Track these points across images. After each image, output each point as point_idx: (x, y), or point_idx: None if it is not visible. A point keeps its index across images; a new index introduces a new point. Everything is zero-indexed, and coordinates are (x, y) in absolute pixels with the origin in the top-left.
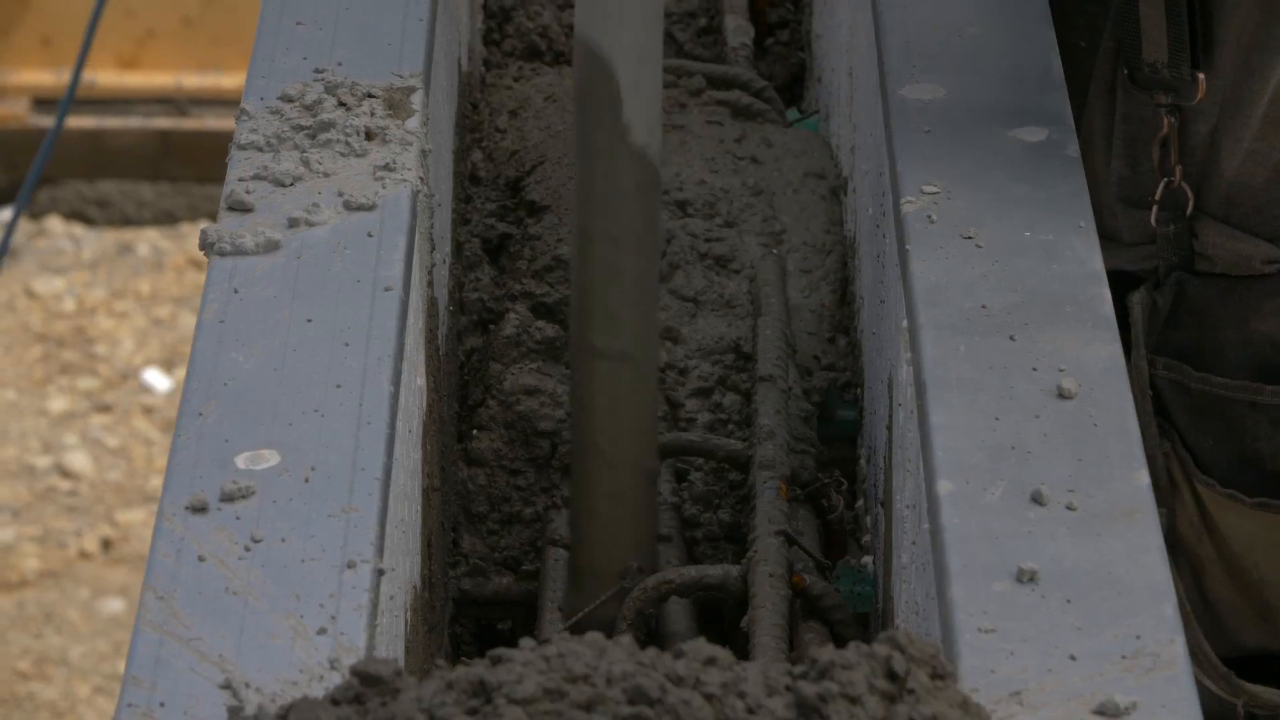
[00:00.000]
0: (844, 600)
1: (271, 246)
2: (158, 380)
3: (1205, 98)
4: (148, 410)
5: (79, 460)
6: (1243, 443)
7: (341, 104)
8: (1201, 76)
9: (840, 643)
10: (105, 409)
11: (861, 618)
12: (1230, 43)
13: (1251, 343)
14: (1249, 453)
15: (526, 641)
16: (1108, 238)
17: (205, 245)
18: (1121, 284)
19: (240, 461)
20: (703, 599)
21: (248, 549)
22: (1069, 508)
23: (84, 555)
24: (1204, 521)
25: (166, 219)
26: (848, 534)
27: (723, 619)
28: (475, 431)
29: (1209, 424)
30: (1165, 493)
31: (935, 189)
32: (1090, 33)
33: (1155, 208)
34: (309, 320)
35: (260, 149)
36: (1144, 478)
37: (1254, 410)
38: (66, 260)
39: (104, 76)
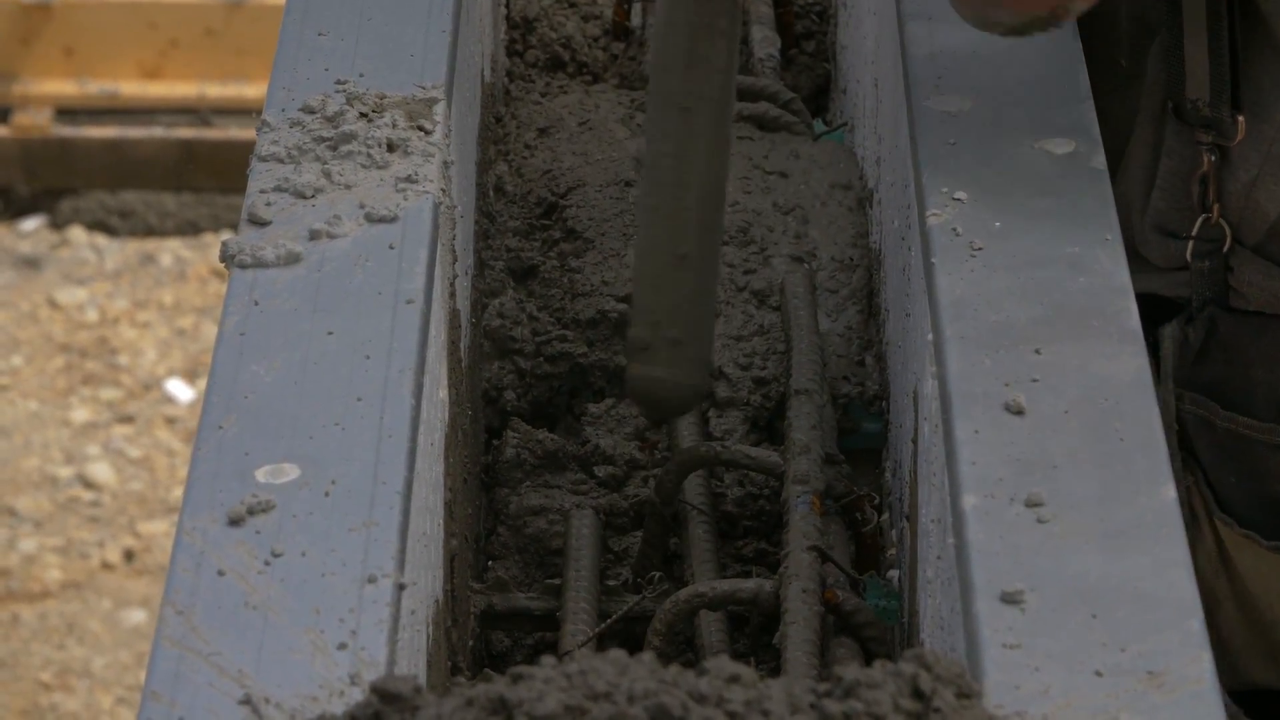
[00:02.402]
0: (877, 617)
1: (292, 259)
2: (180, 391)
3: (1247, 142)
4: (170, 421)
5: (101, 471)
6: (1264, 484)
7: (363, 115)
8: (1241, 119)
9: (872, 660)
10: (128, 419)
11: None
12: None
13: None
14: (1270, 494)
15: (548, 659)
16: (1141, 261)
17: (226, 257)
18: (1153, 308)
19: (260, 475)
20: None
21: (268, 563)
22: (1095, 522)
23: (106, 566)
24: (1221, 558)
25: (189, 229)
26: (879, 548)
27: (750, 627)
28: (490, 563)
29: (1232, 463)
30: (1186, 526)
31: (961, 201)
32: (1133, 53)
33: (1191, 243)
34: (330, 333)
35: (281, 161)
36: (1171, 492)
37: (1277, 453)
38: (89, 270)
39: (127, 86)
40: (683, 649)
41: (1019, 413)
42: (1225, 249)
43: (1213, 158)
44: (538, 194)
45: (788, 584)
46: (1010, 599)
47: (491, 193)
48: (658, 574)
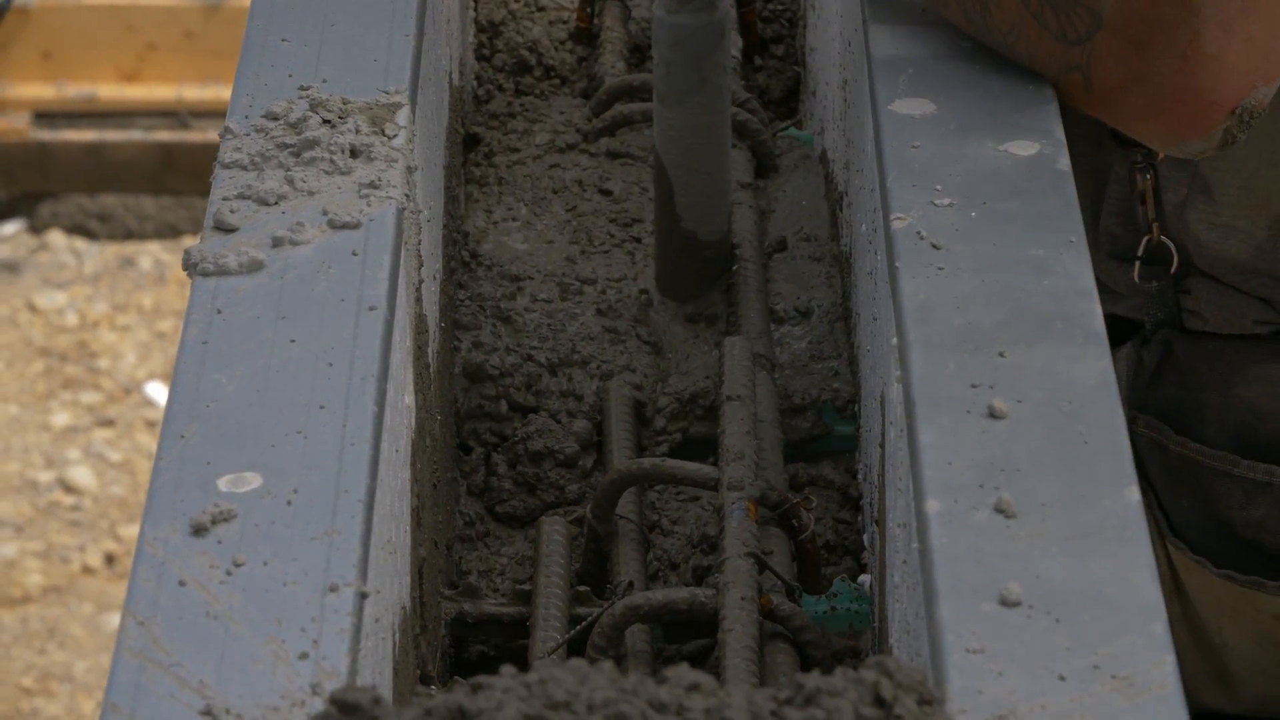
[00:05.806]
0: (813, 621)
1: (255, 266)
2: (161, 394)
3: (1172, 162)
4: (150, 424)
5: (82, 475)
6: (1216, 510)
7: (326, 121)
8: None
9: (809, 665)
10: (108, 423)
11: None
12: None
13: (1232, 409)
14: (1222, 520)
15: (507, 668)
16: (1102, 287)
17: (188, 265)
18: (1116, 330)
19: (222, 484)
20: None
21: (229, 573)
22: (1059, 526)
23: (87, 570)
24: (1174, 581)
25: (169, 232)
26: (820, 554)
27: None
28: None
29: (1184, 487)
30: None
31: (925, 204)
32: None
33: (1138, 264)
34: (292, 341)
35: (244, 168)
36: (1134, 495)
37: (1229, 480)
38: (68, 274)
39: (105, 90)
40: (622, 660)
41: (983, 416)
42: (1174, 270)
43: (1147, 177)
44: (516, 270)
45: (724, 592)
46: (1007, 601)
47: (469, 241)
48: (628, 580)
